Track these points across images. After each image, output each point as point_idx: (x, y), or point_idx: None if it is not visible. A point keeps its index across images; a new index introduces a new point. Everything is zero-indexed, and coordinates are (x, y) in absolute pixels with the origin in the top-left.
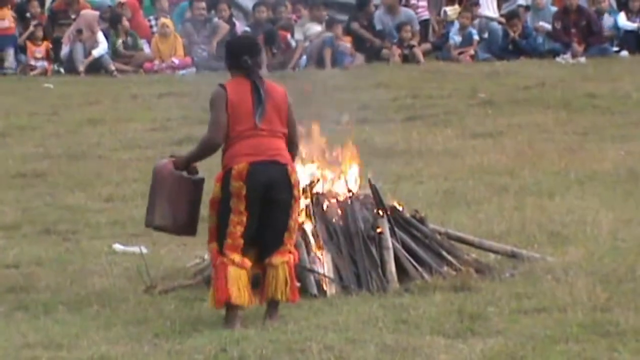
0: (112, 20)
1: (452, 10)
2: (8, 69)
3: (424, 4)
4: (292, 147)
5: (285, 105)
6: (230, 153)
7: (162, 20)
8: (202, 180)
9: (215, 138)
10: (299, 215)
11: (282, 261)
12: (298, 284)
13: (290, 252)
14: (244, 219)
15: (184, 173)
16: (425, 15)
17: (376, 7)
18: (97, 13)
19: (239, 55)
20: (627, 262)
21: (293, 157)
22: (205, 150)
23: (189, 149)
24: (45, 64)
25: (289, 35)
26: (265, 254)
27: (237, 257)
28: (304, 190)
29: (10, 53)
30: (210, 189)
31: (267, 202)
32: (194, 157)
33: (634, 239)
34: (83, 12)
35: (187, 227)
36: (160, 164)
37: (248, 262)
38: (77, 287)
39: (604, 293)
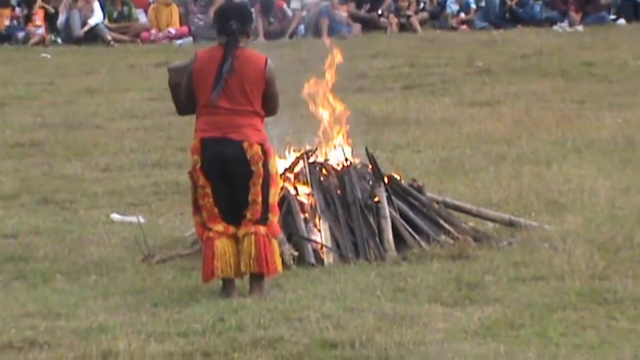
0: None
1: None
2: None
3: None
4: (269, 114)
5: (259, 80)
6: (195, 127)
7: None
8: None
9: (181, 97)
10: (262, 187)
11: (245, 233)
12: (295, 253)
13: (256, 224)
14: (208, 190)
15: None
16: None
17: None
18: None
19: (226, 20)
20: (625, 230)
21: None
22: None
23: None
24: (43, 31)
25: (284, 5)
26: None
27: (219, 227)
28: (301, 159)
29: (20, 35)
30: None
31: (229, 178)
32: None
33: (631, 207)
34: None
35: (181, 103)
36: None
37: (231, 228)
38: (75, 256)
39: (601, 261)
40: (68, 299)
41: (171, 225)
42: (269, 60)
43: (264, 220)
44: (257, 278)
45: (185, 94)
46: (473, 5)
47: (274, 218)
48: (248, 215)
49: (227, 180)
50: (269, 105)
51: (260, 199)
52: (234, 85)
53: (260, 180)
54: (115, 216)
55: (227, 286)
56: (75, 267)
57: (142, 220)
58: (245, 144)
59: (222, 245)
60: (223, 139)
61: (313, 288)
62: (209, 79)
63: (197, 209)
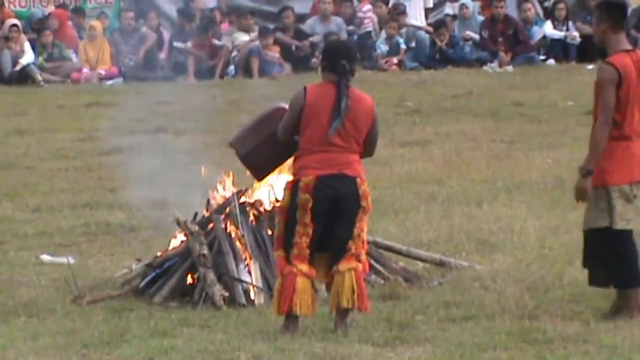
0: (39, 32)
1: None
2: None
3: (370, 15)
4: (367, 154)
5: (369, 120)
6: (300, 164)
7: (91, 22)
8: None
9: (281, 136)
10: (366, 223)
11: (348, 268)
12: (226, 294)
13: (357, 260)
14: (310, 230)
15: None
16: (369, 27)
17: (302, 17)
18: (14, 20)
19: (337, 59)
20: (555, 270)
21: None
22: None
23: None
24: None
25: (215, 41)
26: (333, 263)
27: (304, 267)
28: (231, 201)
29: None
30: None
31: (335, 213)
32: None
33: (561, 247)
34: (8, 20)
35: (257, 167)
36: (279, 106)
37: (314, 272)
38: (5, 297)
39: (531, 301)
40: None
41: (101, 266)
42: (373, 101)
43: (360, 256)
44: (344, 312)
45: (290, 129)
46: (403, 46)
47: (364, 256)
48: (353, 249)
49: (330, 217)
50: (370, 145)
51: (364, 234)
52: (348, 123)
53: (366, 217)
54: (45, 257)
55: (291, 322)
56: (5, 308)
57: (72, 261)
58: (358, 180)
59: (304, 284)
60: (339, 175)
61: (244, 328)
62: (321, 115)
63: (282, 244)
